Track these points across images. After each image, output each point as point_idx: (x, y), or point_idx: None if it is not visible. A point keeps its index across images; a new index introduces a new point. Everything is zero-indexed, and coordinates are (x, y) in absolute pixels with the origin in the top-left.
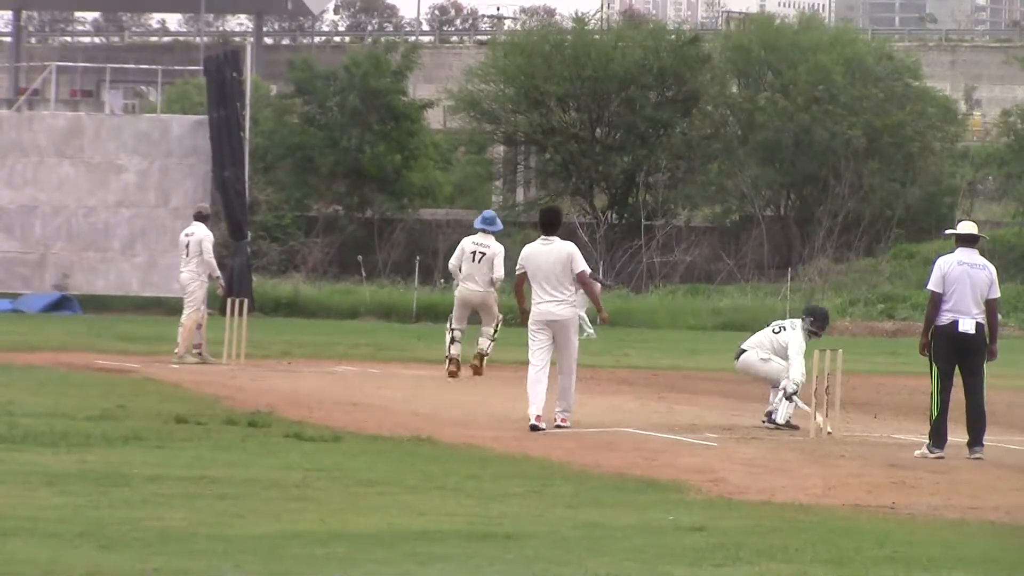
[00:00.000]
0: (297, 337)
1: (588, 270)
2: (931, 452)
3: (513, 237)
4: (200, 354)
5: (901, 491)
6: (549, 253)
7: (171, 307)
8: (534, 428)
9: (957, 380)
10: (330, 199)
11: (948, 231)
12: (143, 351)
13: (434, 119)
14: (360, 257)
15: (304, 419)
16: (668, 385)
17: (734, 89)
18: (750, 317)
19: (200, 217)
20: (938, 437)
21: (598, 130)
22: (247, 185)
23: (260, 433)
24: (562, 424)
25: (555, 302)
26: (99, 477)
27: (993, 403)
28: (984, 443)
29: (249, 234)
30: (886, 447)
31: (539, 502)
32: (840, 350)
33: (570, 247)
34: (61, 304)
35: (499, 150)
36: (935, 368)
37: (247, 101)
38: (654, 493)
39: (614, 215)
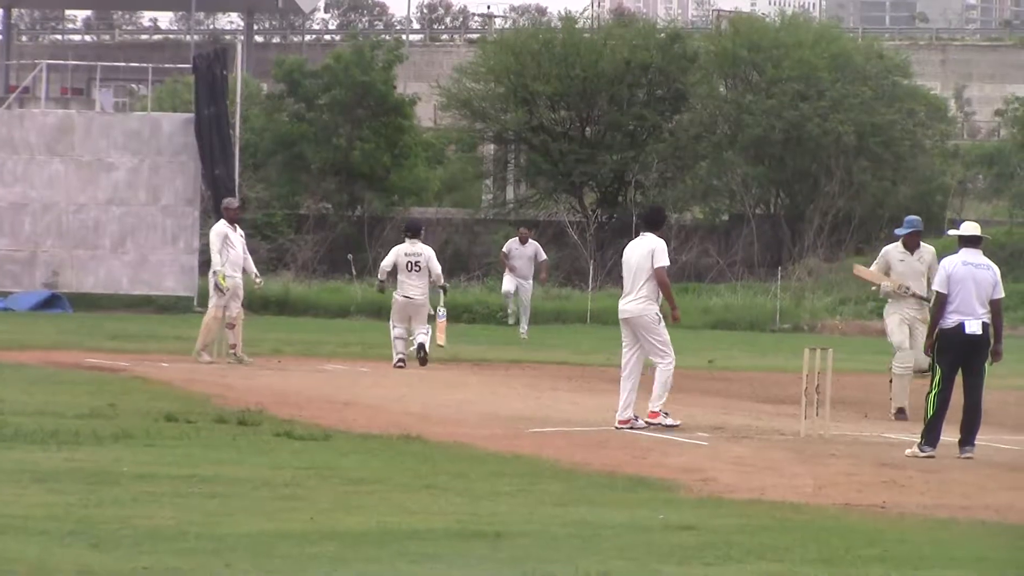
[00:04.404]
0: (287, 335)
1: (667, 264)
2: (922, 451)
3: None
4: (234, 354)
5: (892, 490)
6: (637, 248)
7: (161, 305)
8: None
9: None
10: (320, 197)
11: (951, 231)
12: (133, 349)
13: (425, 117)
14: (350, 255)
15: (294, 418)
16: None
17: (722, 89)
18: (740, 316)
19: (219, 212)
20: (931, 436)
21: (588, 129)
22: (237, 183)
23: (250, 432)
24: (649, 419)
25: (627, 299)
26: (89, 475)
27: (984, 402)
28: (975, 443)
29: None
30: (877, 446)
31: (529, 500)
32: (830, 349)
33: (655, 241)
34: (51, 302)
35: (489, 148)
36: (938, 369)
37: (238, 98)
38: (644, 491)
39: (604, 214)
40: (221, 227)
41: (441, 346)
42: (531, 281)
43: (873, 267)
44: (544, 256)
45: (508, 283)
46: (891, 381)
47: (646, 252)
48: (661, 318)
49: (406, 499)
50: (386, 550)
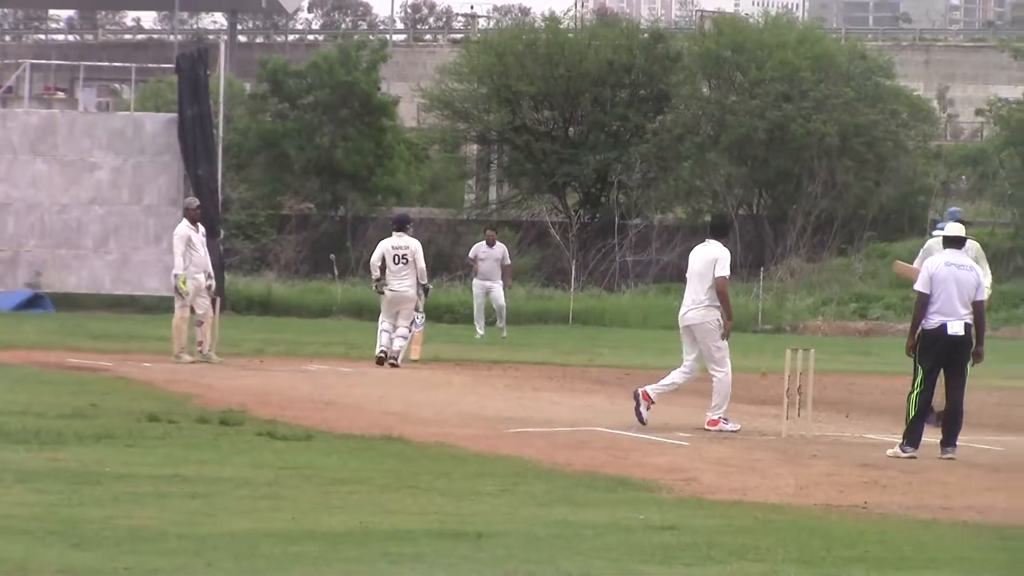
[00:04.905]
0: (269, 335)
1: (727, 275)
2: (904, 452)
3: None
4: (201, 351)
5: (873, 491)
6: (702, 255)
7: (144, 305)
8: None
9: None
10: (303, 197)
11: (935, 232)
12: (116, 349)
13: (408, 117)
14: (333, 255)
15: (276, 418)
16: (640, 385)
17: (705, 90)
18: None
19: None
20: (912, 437)
21: (571, 129)
22: (220, 183)
23: (232, 431)
24: (708, 427)
25: (688, 306)
26: (71, 475)
27: (966, 402)
28: (957, 443)
29: (222, 232)
30: (858, 447)
31: (510, 501)
32: (812, 349)
33: (719, 250)
34: (34, 302)
35: (472, 148)
36: (920, 369)
37: (221, 98)
38: (625, 492)
39: (586, 214)
40: (183, 229)
41: (415, 360)
42: (500, 283)
43: (916, 263)
44: (509, 260)
45: (478, 296)
46: None
47: (710, 260)
48: (722, 325)
49: (387, 499)
50: (367, 550)
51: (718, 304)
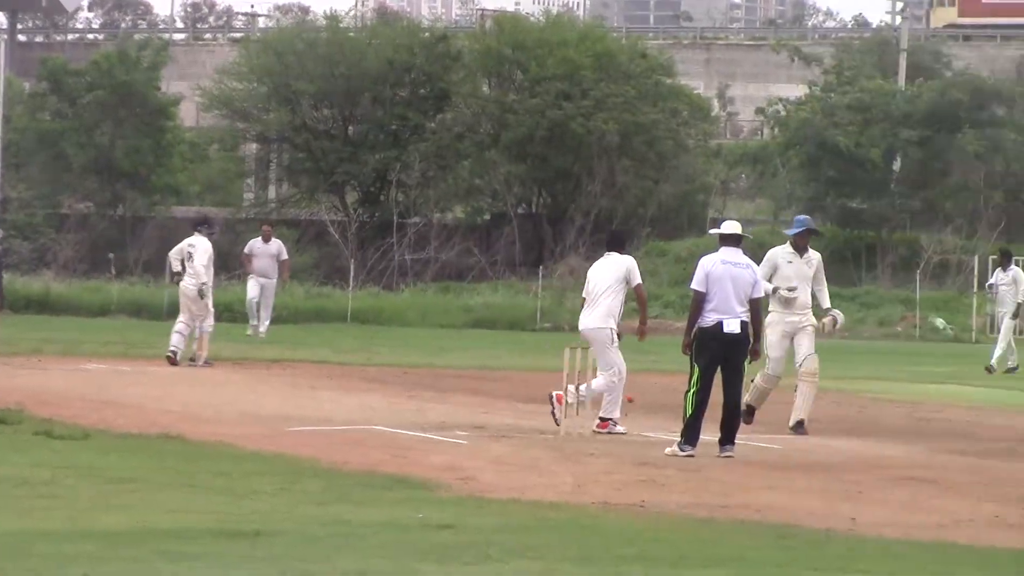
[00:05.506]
0: (48, 334)
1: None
2: (682, 450)
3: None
4: None
5: (651, 489)
6: (606, 266)
7: None
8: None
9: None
10: (82, 196)
11: (712, 230)
12: None
13: (188, 116)
14: (111, 254)
15: (54, 417)
16: (419, 383)
17: (485, 88)
18: (501, 315)
19: None
20: (690, 435)
21: (350, 128)
22: None
23: (9, 430)
24: (599, 429)
25: (588, 314)
26: None
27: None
28: (735, 441)
29: (1, 232)
30: (637, 445)
31: (288, 499)
32: (590, 348)
33: (628, 260)
34: None
35: (251, 148)
36: (696, 367)
37: (0, 98)
38: (403, 490)
39: (365, 213)
40: None
41: (193, 361)
42: (275, 280)
43: (762, 275)
44: (287, 255)
45: (252, 289)
46: (751, 381)
47: (620, 270)
48: (616, 337)
49: (166, 498)
50: (146, 549)
51: (614, 314)
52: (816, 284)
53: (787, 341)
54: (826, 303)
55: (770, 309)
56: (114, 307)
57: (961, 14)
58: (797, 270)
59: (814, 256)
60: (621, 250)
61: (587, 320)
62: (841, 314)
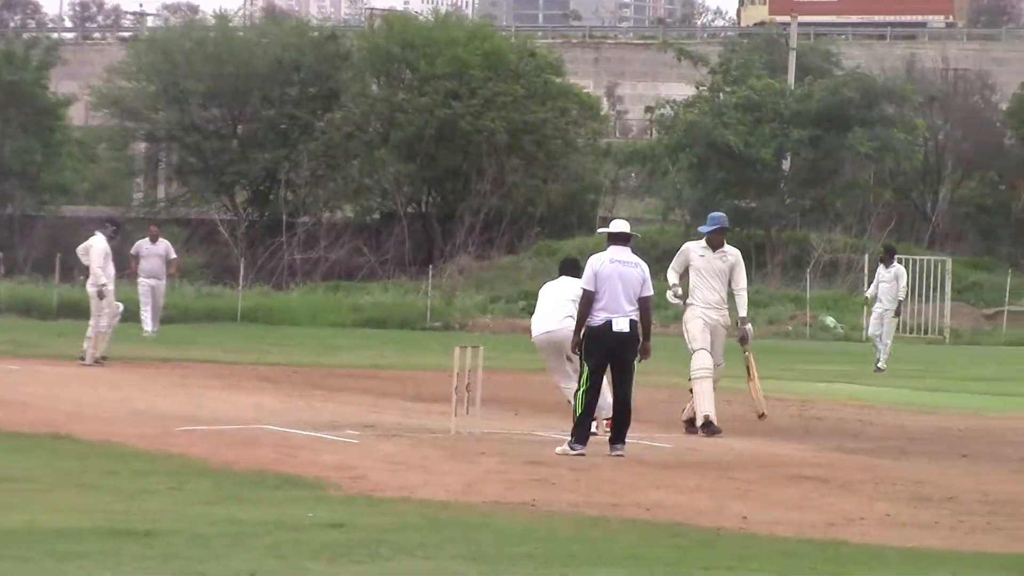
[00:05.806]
0: None
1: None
2: (572, 449)
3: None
4: None
5: (542, 488)
6: (559, 288)
7: None
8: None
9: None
10: None
11: (601, 229)
12: None
13: (76, 116)
14: (0, 253)
15: None
16: (309, 382)
17: (375, 88)
18: (391, 314)
19: None
20: (581, 434)
21: (240, 127)
22: None
23: None
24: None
25: (554, 320)
26: None
27: (634, 400)
28: (626, 440)
29: None
30: (527, 444)
31: (179, 499)
32: (481, 346)
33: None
34: None
35: (140, 147)
36: (585, 366)
37: None
38: (293, 490)
39: (255, 212)
40: None
41: (89, 357)
42: (165, 280)
43: (671, 266)
44: (175, 255)
45: (144, 292)
46: (691, 390)
47: (568, 291)
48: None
49: (55, 497)
50: (35, 549)
51: (572, 314)
52: (735, 284)
53: (708, 333)
54: (743, 311)
55: (688, 302)
56: (3, 306)
57: (772, 12)
58: (708, 264)
59: (731, 253)
60: (576, 274)
61: (543, 323)
62: (751, 331)
